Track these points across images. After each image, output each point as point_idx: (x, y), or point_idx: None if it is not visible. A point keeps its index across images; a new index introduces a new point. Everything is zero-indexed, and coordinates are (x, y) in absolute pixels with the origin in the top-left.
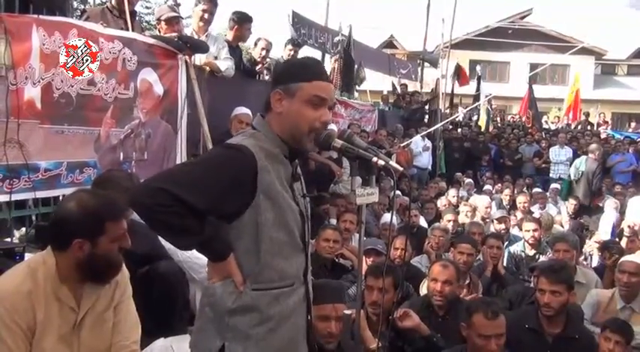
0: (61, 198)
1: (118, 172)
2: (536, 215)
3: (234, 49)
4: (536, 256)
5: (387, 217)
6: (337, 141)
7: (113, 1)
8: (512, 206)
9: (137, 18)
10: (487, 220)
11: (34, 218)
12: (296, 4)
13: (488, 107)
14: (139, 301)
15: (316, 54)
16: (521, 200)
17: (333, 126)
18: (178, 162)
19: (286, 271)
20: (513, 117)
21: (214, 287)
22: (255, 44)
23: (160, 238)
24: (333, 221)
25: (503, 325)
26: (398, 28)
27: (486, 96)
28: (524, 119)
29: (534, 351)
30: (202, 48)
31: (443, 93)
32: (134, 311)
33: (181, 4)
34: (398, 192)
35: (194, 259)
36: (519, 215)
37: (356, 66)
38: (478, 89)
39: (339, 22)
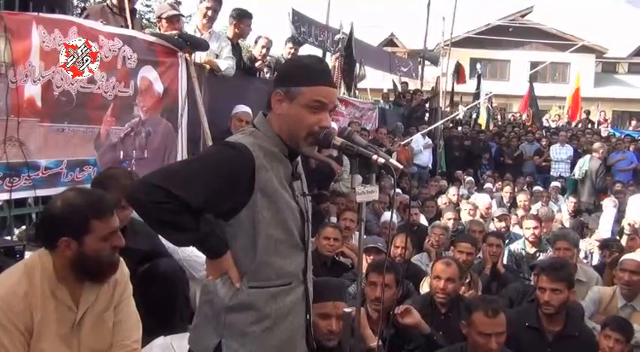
0: None
1: (118, 170)
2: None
3: (235, 47)
4: (537, 254)
5: (387, 215)
6: (337, 139)
7: None
8: (513, 204)
9: (137, 16)
10: (487, 218)
11: (34, 216)
12: (296, 3)
13: (489, 105)
14: (140, 299)
15: (317, 52)
16: (521, 198)
17: (333, 124)
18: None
19: (284, 269)
20: (514, 116)
21: (212, 284)
22: (256, 42)
23: (160, 237)
24: (334, 219)
25: (504, 323)
26: (398, 26)
27: (487, 95)
28: (524, 117)
29: (534, 349)
30: (202, 46)
31: (443, 92)
32: (135, 310)
33: (182, 3)
34: (398, 190)
35: (194, 257)
36: (520, 213)
37: (357, 64)
38: (478, 87)
39: (339, 20)
